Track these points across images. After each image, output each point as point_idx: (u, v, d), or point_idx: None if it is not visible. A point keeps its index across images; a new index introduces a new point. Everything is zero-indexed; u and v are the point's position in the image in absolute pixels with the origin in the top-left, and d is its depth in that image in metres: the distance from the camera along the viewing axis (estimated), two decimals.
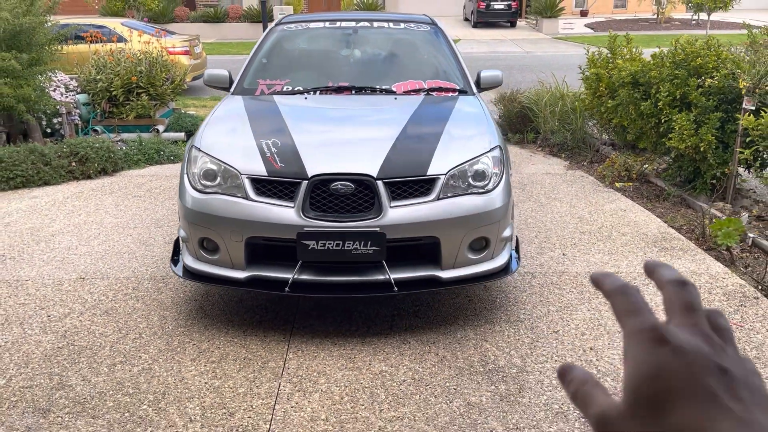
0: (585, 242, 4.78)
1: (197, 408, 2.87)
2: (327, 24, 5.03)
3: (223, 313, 3.71)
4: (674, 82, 5.66)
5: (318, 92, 4.37)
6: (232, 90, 4.52)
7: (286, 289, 3.29)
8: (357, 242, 3.21)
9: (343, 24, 5.03)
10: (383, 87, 4.43)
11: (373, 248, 3.22)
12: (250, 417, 2.81)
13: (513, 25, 27.72)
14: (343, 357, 3.26)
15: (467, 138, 3.70)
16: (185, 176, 3.55)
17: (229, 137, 3.69)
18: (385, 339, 3.43)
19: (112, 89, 8.21)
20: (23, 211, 5.51)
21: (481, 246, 3.49)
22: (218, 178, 3.43)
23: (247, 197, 3.33)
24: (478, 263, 3.48)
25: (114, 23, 13.08)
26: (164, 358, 3.25)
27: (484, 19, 27.22)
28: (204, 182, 3.45)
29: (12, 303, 3.84)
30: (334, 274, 3.35)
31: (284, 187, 3.32)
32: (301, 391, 2.99)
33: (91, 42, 9.19)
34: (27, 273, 4.26)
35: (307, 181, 3.26)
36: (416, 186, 3.35)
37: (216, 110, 4.13)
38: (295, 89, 4.41)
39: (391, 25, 5.03)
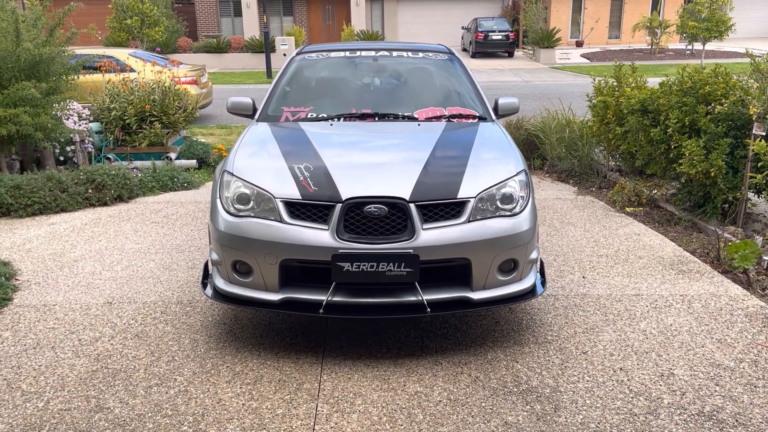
0: (603, 265, 4.84)
1: (237, 429, 2.89)
2: (347, 53, 5.15)
3: (254, 336, 3.74)
4: (683, 109, 5.79)
5: (342, 119, 4.46)
6: (256, 117, 4.61)
7: (321, 310, 3.34)
8: (391, 264, 3.27)
9: (363, 53, 5.15)
10: (405, 114, 4.53)
11: (407, 270, 3.28)
12: None
13: (511, 55, 28.15)
14: (377, 378, 3.29)
15: (493, 162, 3.78)
16: (218, 200, 3.61)
17: (260, 162, 3.76)
18: (417, 360, 3.47)
19: (125, 117, 8.31)
20: (43, 237, 5.55)
21: (510, 268, 3.55)
22: (251, 202, 3.49)
23: (281, 220, 3.39)
24: (507, 284, 3.54)
25: (122, 54, 13.27)
26: (199, 381, 3.27)
27: (482, 49, 27.65)
28: (237, 206, 3.51)
29: (41, 327, 3.87)
30: (366, 295, 3.40)
31: (319, 210, 3.38)
32: (339, 412, 3.01)
33: (105, 72, 9.31)
34: (53, 298, 4.29)
35: (341, 204, 3.33)
36: (447, 209, 3.42)
37: (244, 136, 4.21)
38: (320, 116, 4.51)
39: (409, 54, 5.15)
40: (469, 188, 3.48)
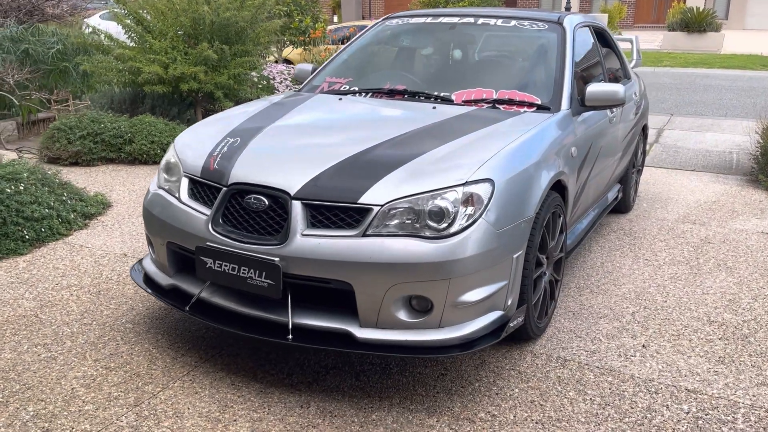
0: (698, 338, 3.32)
1: (45, 410, 2.66)
2: (429, 19, 4.36)
3: (185, 318, 3.44)
4: None
5: (367, 94, 3.80)
6: (301, 86, 4.21)
7: (187, 308, 2.88)
8: (252, 270, 2.65)
9: (445, 20, 4.29)
10: (441, 94, 3.65)
11: (268, 281, 2.62)
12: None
13: None
14: (219, 403, 2.73)
15: (449, 163, 2.78)
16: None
17: (208, 131, 3.35)
18: (282, 395, 2.78)
19: None
20: None
21: (426, 307, 2.61)
22: (175, 175, 3.16)
23: (179, 198, 3.00)
24: (413, 328, 2.61)
25: None
26: (76, 352, 3.10)
27: None
28: (164, 175, 3.22)
29: (50, 267, 4.10)
30: (241, 302, 2.82)
31: (211, 192, 2.91)
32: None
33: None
34: (95, 241, 4.54)
35: (225, 189, 2.81)
36: (344, 215, 2.63)
37: (251, 103, 3.87)
38: (351, 89, 3.91)
39: (498, 22, 4.12)
40: (380, 192, 2.61)
